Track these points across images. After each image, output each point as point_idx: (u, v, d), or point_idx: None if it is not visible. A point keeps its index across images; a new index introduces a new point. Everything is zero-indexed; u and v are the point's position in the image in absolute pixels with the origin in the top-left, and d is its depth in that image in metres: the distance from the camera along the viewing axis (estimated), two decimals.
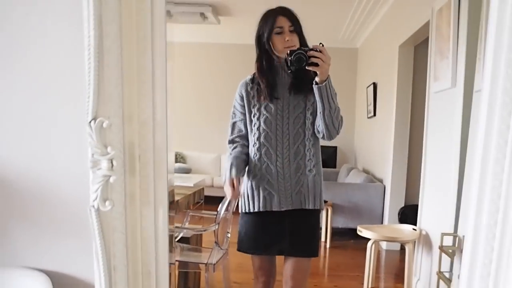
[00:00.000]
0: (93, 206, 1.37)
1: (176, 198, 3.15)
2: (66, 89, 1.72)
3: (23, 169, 1.80)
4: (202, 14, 6.39)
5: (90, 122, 1.33)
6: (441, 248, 2.97)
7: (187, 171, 7.94)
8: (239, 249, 2.36)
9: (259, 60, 2.28)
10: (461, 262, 1.60)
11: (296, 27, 2.20)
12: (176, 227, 3.32)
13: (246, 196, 2.31)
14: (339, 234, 5.82)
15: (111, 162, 1.36)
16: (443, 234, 2.98)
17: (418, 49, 5.10)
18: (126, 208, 1.41)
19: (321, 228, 5.46)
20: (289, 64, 2.06)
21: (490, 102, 1.27)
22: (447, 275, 2.97)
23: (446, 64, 3.44)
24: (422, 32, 4.35)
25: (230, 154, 2.32)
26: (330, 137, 2.22)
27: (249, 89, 2.29)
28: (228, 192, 2.21)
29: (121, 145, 1.37)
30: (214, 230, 3.06)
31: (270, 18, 2.21)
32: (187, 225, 3.50)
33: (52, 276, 1.78)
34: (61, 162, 1.77)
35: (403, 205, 5.30)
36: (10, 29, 1.73)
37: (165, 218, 1.46)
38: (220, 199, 3.26)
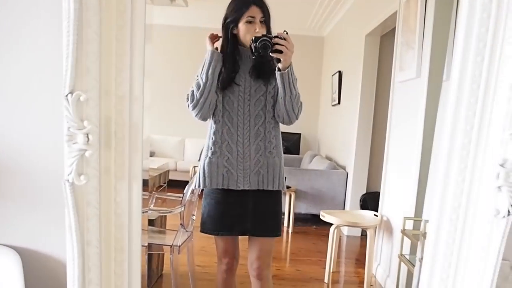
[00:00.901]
0: (68, 180, 1.37)
1: None
2: (43, 61, 1.70)
3: None
4: None
5: (67, 95, 1.32)
6: (403, 231, 3.06)
7: (151, 154, 7.88)
8: (202, 230, 2.37)
9: (224, 43, 2.29)
10: (423, 245, 1.66)
11: (267, 19, 2.22)
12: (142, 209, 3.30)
13: (203, 172, 2.31)
14: (301, 220, 5.89)
15: (87, 137, 1.36)
16: (405, 218, 3.06)
17: (384, 39, 5.18)
18: (100, 182, 1.42)
19: (283, 213, 5.51)
20: (253, 50, 2.10)
21: (458, 89, 1.32)
22: (407, 258, 3.06)
23: (411, 54, 3.50)
24: (389, 22, 4.42)
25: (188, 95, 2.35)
26: (290, 122, 2.27)
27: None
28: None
29: (97, 119, 1.37)
30: (180, 212, 3.07)
31: (243, 5, 2.20)
32: (152, 207, 3.49)
33: (22, 252, 1.77)
34: (34, 135, 1.75)
35: (364, 192, 5.40)
36: None
37: (139, 194, 1.46)
38: (184, 183, 3.27)
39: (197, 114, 2.29)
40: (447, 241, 1.39)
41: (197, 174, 2.36)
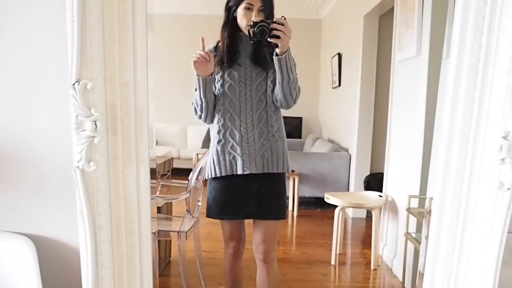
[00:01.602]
0: (78, 167, 1.39)
1: None
2: (50, 51, 1.72)
3: (5, 131, 1.81)
4: None
5: (74, 84, 1.34)
6: (409, 210, 3.08)
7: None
8: (208, 215, 2.40)
9: (224, 26, 2.32)
10: (429, 222, 1.68)
11: (267, 9, 2.22)
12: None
13: (212, 161, 2.35)
14: (306, 203, 5.93)
15: (95, 124, 1.38)
16: (410, 197, 3.08)
17: (383, 19, 5.17)
18: (109, 168, 1.44)
19: (287, 197, 5.53)
20: (251, 35, 2.11)
21: (458, 64, 1.33)
22: (413, 236, 3.08)
23: (411, 33, 3.51)
24: (387, 2, 4.42)
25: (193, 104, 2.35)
26: (288, 106, 2.29)
27: (212, 57, 2.30)
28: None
29: (103, 107, 1.39)
30: (186, 198, 3.09)
31: None
32: (158, 194, 3.51)
33: (36, 240, 1.80)
34: (43, 124, 1.78)
35: (368, 173, 5.43)
36: None
37: (147, 177, 1.49)
38: (187, 170, 3.29)
39: (205, 122, 2.36)
40: (451, 215, 1.41)
41: (207, 164, 2.40)
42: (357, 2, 5.50)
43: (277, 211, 2.39)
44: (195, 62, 2.18)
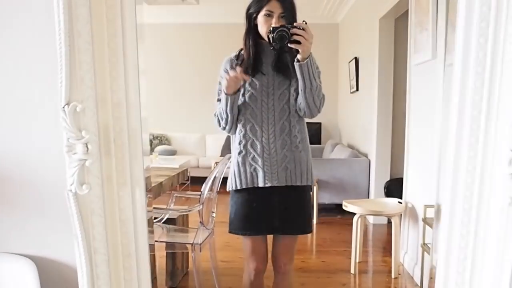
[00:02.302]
0: (71, 190, 1.37)
1: (160, 179, 3.14)
2: (42, 74, 1.71)
3: (5, 153, 1.81)
4: None
5: (63, 107, 1.32)
6: (425, 220, 3.00)
7: (172, 153, 7.93)
8: (230, 231, 2.33)
9: (247, 34, 2.25)
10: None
11: (288, 15, 2.14)
12: (161, 208, 3.32)
13: (233, 173, 2.29)
14: (325, 210, 5.86)
15: (86, 146, 1.36)
16: (426, 206, 3.01)
17: (398, 22, 5.09)
18: (103, 190, 1.42)
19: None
20: (271, 41, 2.06)
21: (463, 73, 1.27)
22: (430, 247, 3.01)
23: (426, 36, 3.44)
24: (402, 4, 4.34)
25: (216, 116, 2.31)
26: (311, 115, 2.22)
27: (234, 65, 2.26)
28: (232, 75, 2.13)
29: (95, 128, 1.37)
30: (199, 210, 3.06)
31: None
32: (172, 206, 3.50)
33: (37, 261, 1.79)
34: (40, 147, 1.77)
35: (388, 179, 5.34)
36: None
37: (143, 199, 1.46)
38: (206, 179, 3.26)
39: (229, 133, 2.33)
40: (461, 232, 1.35)
41: (229, 176, 2.34)
42: (372, 5, 5.43)
43: (301, 225, 2.33)
44: (227, 86, 2.15)
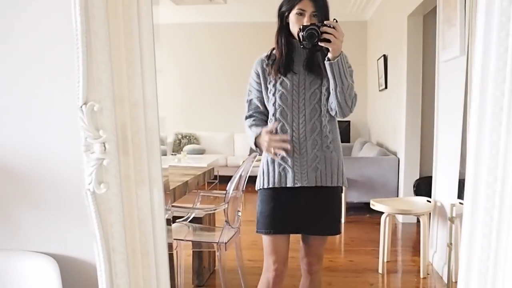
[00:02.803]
0: (89, 189, 1.39)
1: (185, 178, 3.15)
2: (61, 74, 1.74)
3: (24, 155, 1.84)
4: None
5: (81, 106, 1.34)
6: (451, 219, 2.95)
7: (201, 152, 7.98)
8: (257, 231, 2.30)
9: (279, 32, 2.25)
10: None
11: (320, 13, 2.12)
12: (186, 207, 3.34)
13: (262, 172, 2.28)
14: (354, 209, 5.82)
15: (104, 145, 1.37)
16: (452, 205, 2.95)
17: (427, 19, 5.02)
18: (121, 189, 1.43)
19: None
20: (301, 40, 2.05)
21: (483, 68, 1.24)
22: None
23: (454, 32, 3.38)
24: (430, 1, 4.29)
25: (250, 126, 2.31)
26: (343, 114, 2.19)
27: (264, 66, 2.27)
28: (266, 141, 2.18)
29: (113, 127, 1.38)
30: (224, 209, 3.07)
31: None
32: (198, 205, 3.51)
33: (58, 259, 1.82)
34: (59, 146, 1.80)
35: (418, 177, 5.27)
36: (4, 22, 1.77)
37: (161, 197, 1.47)
38: None
39: None
40: (483, 231, 1.31)
41: (258, 174, 2.32)
42: (400, 2, 5.37)
43: (327, 227, 2.29)
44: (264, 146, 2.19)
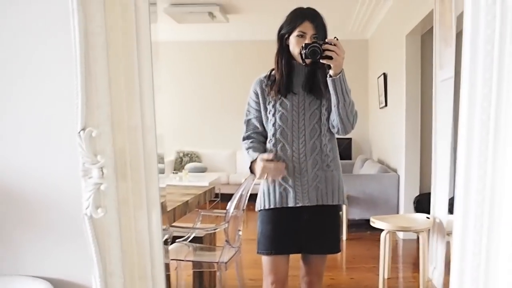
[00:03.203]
0: (86, 214, 1.41)
1: (186, 198, 3.17)
2: (60, 98, 1.76)
3: (22, 179, 1.86)
4: (210, 13, 6.39)
5: (79, 132, 1.37)
6: (449, 234, 2.96)
7: (203, 170, 7.97)
8: (258, 252, 2.31)
9: (278, 53, 2.28)
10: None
11: (321, 36, 2.16)
12: (186, 227, 3.34)
13: (262, 192, 2.29)
14: (355, 226, 5.80)
15: (102, 170, 1.39)
16: (449, 222, 2.97)
17: (424, 38, 5.07)
18: (119, 213, 1.45)
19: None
20: (303, 57, 2.08)
21: (470, 93, 1.27)
22: None
23: (450, 52, 3.42)
24: (428, 20, 4.33)
25: (246, 149, 2.32)
26: (345, 131, 2.21)
27: (264, 86, 2.30)
28: (261, 167, 2.20)
29: (111, 152, 1.41)
30: (225, 229, 3.08)
31: (296, 19, 2.19)
32: (199, 224, 3.52)
33: (55, 283, 1.82)
34: (57, 169, 1.81)
35: (418, 193, 5.27)
36: (4, 47, 1.80)
37: (159, 221, 1.48)
38: None
39: None
40: (473, 251, 1.34)
41: (258, 196, 2.33)
42: (399, 22, 5.42)
43: (330, 245, 2.31)
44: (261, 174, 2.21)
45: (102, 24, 1.34)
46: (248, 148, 2.30)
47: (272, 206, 2.26)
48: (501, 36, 1.23)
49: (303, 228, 2.26)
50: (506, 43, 1.23)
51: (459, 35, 3.15)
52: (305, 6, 2.23)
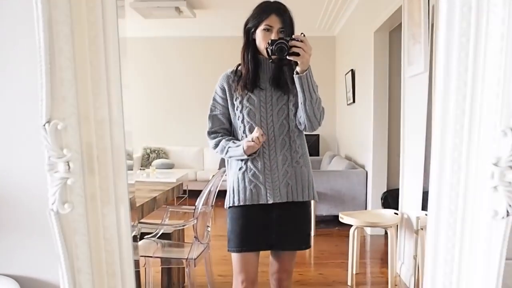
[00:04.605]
0: (52, 210, 1.36)
1: (154, 194, 3.13)
2: (24, 91, 1.71)
3: None
4: (177, 8, 6.33)
5: (44, 125, 1.32)
6: (417, 232, 3.00)
7: (170, 166, 7.93)
8: (228, 249, 2.27)
9: (245, 48, 2.24)
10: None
11: (287, 29, 2.14)
12: (154, 223, 3.30)
13: (231, 189, 2.26)
14: (324, 222, 5.84)
15: (68, 164, 1.35)
16: (418, 218, 3.00)
17: (393, 35, 5.10)
18: (87, 209, 1.40)
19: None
20: (270, 54, 2.06)
21: (444, 88, 1.27)
22: None
23: (418, 48, 3.45)
24: (396, 17, 4.35)
25: (216, 144, 2.27)
26: (312, 128, 2.20)
27: (230, 81, 2.26)
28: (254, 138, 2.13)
29: (78, 146, 1.36)
30: (193, 225, 3.05)
31: (263, 12, 2.16)
32: (167, 221, 3.48)
33: (20, 280, 1.78)
34: (22, 165, 1.77)
35: (385, 190, 5.33)
36: None
37: (127, 217, 1.44)
38: None
39: None
40: (446, 245, 1.34)
41: (227, 193, 2.31)
42: (367, 18, 5.46)
43: (300, 241, 2.31)
44: (249, 147, 2.14)
45: (67, 12, 1.29)
46: (227, 146, 2.24)
47: (242, 203, 2.23)
48: (476, 28, 1.22)
49: (274, 225, 2.24)
50: (481, 36, 1.23)
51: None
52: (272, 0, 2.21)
